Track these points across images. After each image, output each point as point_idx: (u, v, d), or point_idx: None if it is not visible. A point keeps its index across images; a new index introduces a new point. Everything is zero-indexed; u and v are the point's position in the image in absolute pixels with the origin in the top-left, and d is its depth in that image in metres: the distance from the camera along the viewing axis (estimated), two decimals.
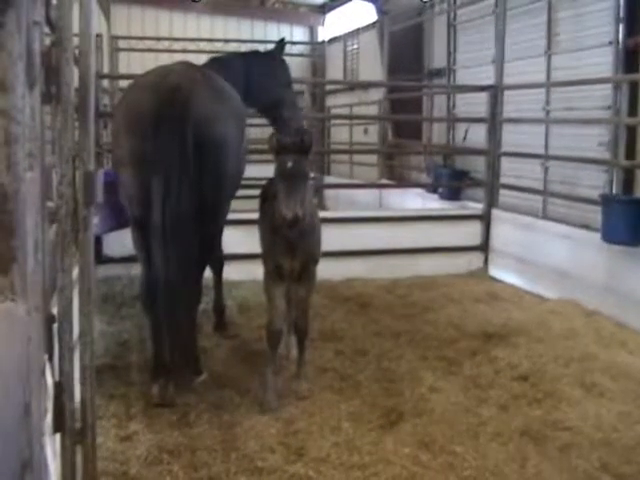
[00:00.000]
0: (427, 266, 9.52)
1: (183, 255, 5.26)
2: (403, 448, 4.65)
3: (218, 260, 7.05)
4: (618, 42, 9.61)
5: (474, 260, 10.01)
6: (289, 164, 4.76)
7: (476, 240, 10.08)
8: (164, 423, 4.93)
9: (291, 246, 5.13)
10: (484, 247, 10.07)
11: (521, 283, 9.11)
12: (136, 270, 7.75)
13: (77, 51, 3.33)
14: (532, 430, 4.95)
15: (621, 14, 9.57)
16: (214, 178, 5.49)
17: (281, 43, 7.68)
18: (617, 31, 9.65)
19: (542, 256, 8.79)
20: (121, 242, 8.08)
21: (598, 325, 7.23)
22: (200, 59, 7.39)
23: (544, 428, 4.99)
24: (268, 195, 5.72)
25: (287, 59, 7.85)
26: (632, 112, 9.31)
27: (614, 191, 9.40)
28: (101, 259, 8.13)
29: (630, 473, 4.42)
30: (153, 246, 5.28)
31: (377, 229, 9.55)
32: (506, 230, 9.73)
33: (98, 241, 8.05)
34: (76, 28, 3.22)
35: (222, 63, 6.91)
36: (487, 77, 11.71)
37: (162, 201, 5.15)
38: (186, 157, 5.21)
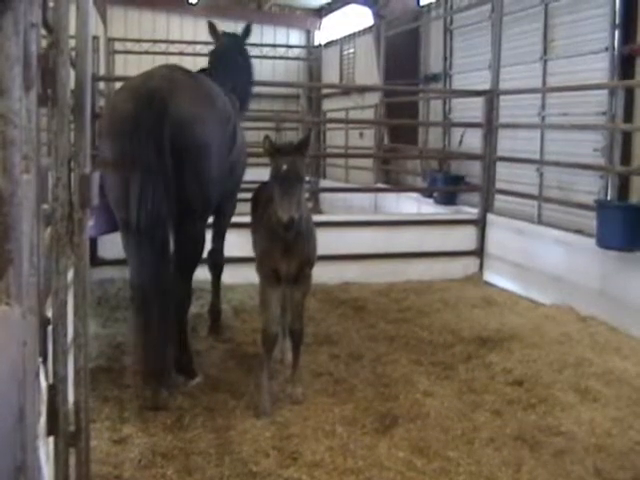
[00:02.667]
0: (422, 270, 9.53)
1: (157, 257, 5.25)
2: (397, 453, 4.65)
3: (218, 264, 7.05)
4: (614, 48, 9.64)
5: (469, 265, 10.01)
6: (284, 166, 4.76)
7: (471, 245, 10.09)
8: (158, 426, 4.92)
9: (287, 249, 5.11)
10: (479, 252, 10.07)
11: (516, 288, 9.12)
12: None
13: (74, 53, 3.33)
14: (526, 435, 4.95)
15: (617, 20, 9.61)
16: (195, 180, 5.47)
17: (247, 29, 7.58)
18: (613, 37, 9.68)
19: (537, 261, 8.80)
20: (115, 244, 8.06)
21: (593, 330, 7.24)
22: (197, 62, 7.41)
23: (538, 433, 4.99)
24: (261, 199, 5.72)
25: (283, 63, 7.90)
26: (627, 118, 9.34)
27: (609, 197, 9.42)
28: (96, 261, 8.11)
29: (624, 479, 4.42)
30: (130, 247, 5.31)
31: (372, 233, 9.56)
32: (501, 235, 9.74)
33: (93, 243, 8.03)
34: (73, 30, 3.21)
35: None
36: (483, 82, 11.74)
37: (138, 202, 5.16)
38: (162, 159, 5.21)
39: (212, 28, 7.38)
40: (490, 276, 9.82)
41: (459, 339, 7.02)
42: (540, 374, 6.06)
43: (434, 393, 5.67)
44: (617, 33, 9.64)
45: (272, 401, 5.30)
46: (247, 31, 7.49)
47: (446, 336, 7.12)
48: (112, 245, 7.97)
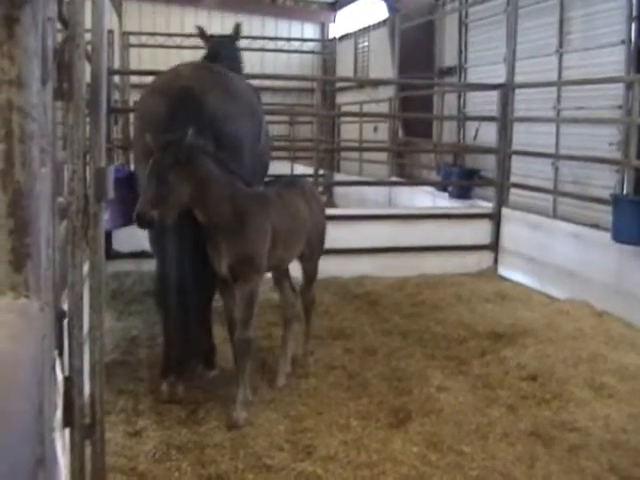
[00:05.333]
0: (437, 265, 9.50)
1: (195, 251, 5.28)
2: (411, 447, 4.65)
3: None
4: (630, 41, 9.57)
5: (484, 259, 9.98)
6: (149, 163, 4.71)
7: (486, 239, 10.06)
8: (173, 419, 4.94)
9: (215, 246, 5.04)
10: (494, 246, 10.04)
11: (530, 283, 9.08)
12: (146, 266, 7.80)
13: (89, 47, 3.33)
14: (541, 431, 4.94)
15: (633, 13, 9.53)
16: None
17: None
18: (629, 30, 9.60)
19: (552, 256, 8.76)
20: (131, 238, 8.09)
21: (607, 326, 7.20)
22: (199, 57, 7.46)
23: (553, 429, 4.98)
24: None
25: (298, 56, 7.95)
26: None
27: (625, 191, 9.36)
28: (111, 255, 8.14)
29: (639, 475, 4.40)
30: (167, 242, 5.32)
31: (387, 227, 9.54)
32: (516, 229, 9.70)
33: (108, 237, 8.06)
34: (88, 24, 3.22)
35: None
36: (498, 75, 11.66)
37: None
38: None
39: (201, 32, 7.60)
40: (505, 270, 9.79)
41: (473, 334, 7.00)
42: (554, 369, 6.04)
43: (448, 388, 5.66)
44: (634, 26, 9.56)
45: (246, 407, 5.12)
46: (236, 32, 7.63)
47: (460, 331, 7.10)
48: (127, 238, 8.01)
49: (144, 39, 19.91)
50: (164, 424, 4.87)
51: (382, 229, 9.49)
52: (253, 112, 6.01)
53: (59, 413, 3.08)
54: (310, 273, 5.99)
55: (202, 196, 4.82)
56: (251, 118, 5.90)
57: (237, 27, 7.62)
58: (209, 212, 4.92)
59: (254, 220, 5.06)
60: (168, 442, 4.59)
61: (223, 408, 5.13)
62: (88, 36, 3.27)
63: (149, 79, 6.88)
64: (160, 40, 20.09)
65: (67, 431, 3.24)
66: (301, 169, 17.95)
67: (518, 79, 10.80)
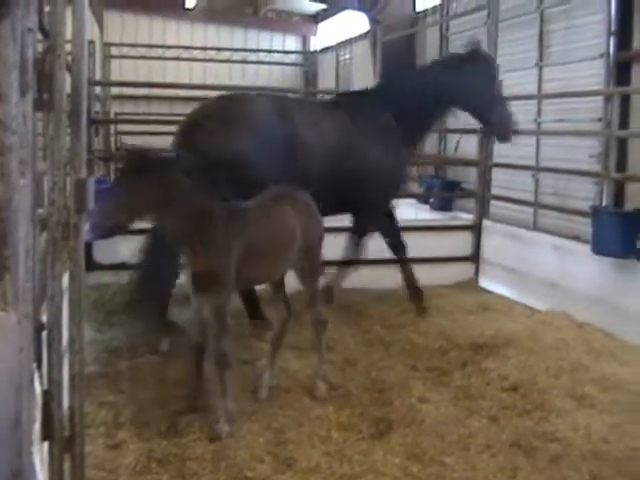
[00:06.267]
0: (418, 276, 9.50)
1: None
2: (393, 458, 4.64)
3: None
4: (609, 55, 9.66)
5: (465, 271, 10.00)
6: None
7: (467, 251, 10.09)
8: (153, 432, 4.91)
9: (187, 257, 5.06)
10: (475, 258, 10.07)
11: (511, 294, 9.11)
12: (126, 278, 7.78)
13: (70, 58, 3.32)
14: (522, 441, 4.94)
15: (612, 27, 9.63)
16: None
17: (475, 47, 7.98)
18: (608, 44, 9.71)
19: (533, 267, 8.80)
20: (111, 249, 8.07)
21: (588, 336, 7.23)
22: (193, 67, 7.48)
23: (534, 439, 4.99)
24: None
25: (280, 68, 7.99)
26: (623, 125, 9.36)
27: (604, 203, 9.43)
28: (91, 266, 8.09)
29: None
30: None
31: (369, 239, 9.53)
32: (497, 241, 9.74)
33: (88, 248, 8.02)
34: (69, 35, 3.21)
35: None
36: None
37: None
38: None
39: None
40: (486, 282, 9.82)
41: (455, 345, 7.01)
42: (536, 380, 6.05)
43: (430, 399, 5.66)
44: (613, 40, 9.66)
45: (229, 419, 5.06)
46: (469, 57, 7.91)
47: (442, 342, 7.10)
48: (108, 250, 7.98)
49: (126, 50, 19.90)
50: (144, 436, 4.83)
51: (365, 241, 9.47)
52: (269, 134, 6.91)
53: (38, 426, 3.06)
54: (310, 291, 5.78)
55: (165, 209, 4.80)
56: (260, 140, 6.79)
57: (474, 48, 7.99)
58: (172, 223, 4.91)
59: (219, 235, 4.99)
60: (148, 454, 4.55)
61: (204, 420, 5.10)
62: (69, 47, 3.26)
63: (130, 90, 6.96)
64: (142, 51, 20.08)
65: (46, 444, 3.22)
66: None
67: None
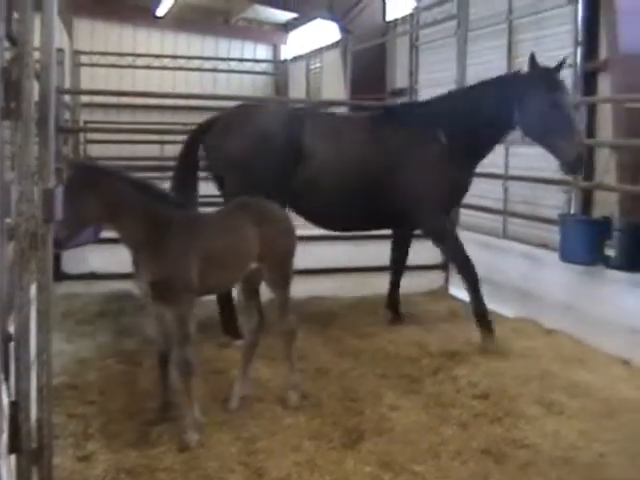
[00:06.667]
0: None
1: None
2: (364, 467, 4.64)
3: None
4: (576, 65, 9.79)
5: (435, 279, 10.05)
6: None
7: (437, 259, 10.13)
8: (123, 443, 4.86)
9: (135, 264, 5.04)
10: (445, 266, 10.11)
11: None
12: (96, 288, 7.73)
13: (38, 66, 3.30)
14: (492, 448, 4.96)
15: (579, 38, 9.76)
16: None
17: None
18: (576, 54, 9.84)
19: (502, 275, 8.86)
20: (80, 259, 8.02)
21: (557, 344, 7.29)
22: (164, 76, 7.47)
23: (504, 446, 5.01)
24: None
25: (251, 77, 7.98)
26: (590, 134, 9.49)
27: (572, 211, 9.53)
28: (59, 276, 8.02)
29: None
30: None
31: (342, 247, 9.54)
32: (467, 249, 9.78)
33: (57, 258, 7.95)
34: (37, 42, 3.19)
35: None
36: None
37: None
38: None
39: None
40: (456, 290, 9.86)
41: (426, 353, 7.03)
42: (506, 387, 6.09)
43: (401, 407, 5.67)
44: (580, 50, 9.79)
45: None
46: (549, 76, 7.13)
47: (413, 350, 7.13)
48: (76, 260, 7.93)
49: (95, 58, 19.80)
50: (114, 447, 4.78)
51: (337, 249, 9.47)
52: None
53: (5, 438, 3.03)
54: (279, 300, 5.75)
55: (114, 217, 4.85)
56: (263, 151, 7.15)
57: (559, 66, 7.21)
58: (123, 233, 4.95)
59: (173, 243, 4.97)
60: (118, 466, 4.51)
61: (174, 430, 5.06)
62: (37, 54, 3.24)
63: (100, 98, 6.96)
64: (112, 59, 19.99)
65: (14, 456, 3.18)
66: None
67: None
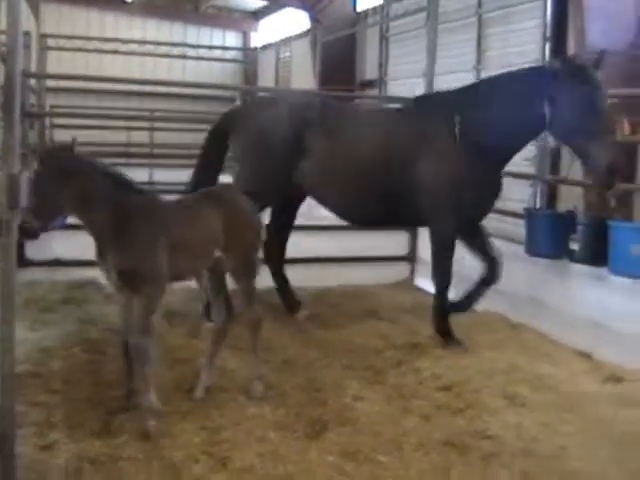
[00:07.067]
0: (356, 275, 9.56)
1: None
2: (327, 457, 4.65)
3: None
4: (545, 60, 9.86)
5: (401, 270, 10.09)
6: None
7: (403, 250, 10.18)
8: (86, 432, 4.82)
9: (101, 256, 4.97)
10: (411, 258, 10.16)
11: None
12: (60, 274, 7.65)
13: (4, 49, 3.26)
14: (455, 440, 5.00)
15: (548, 33, 9.83)
16: None
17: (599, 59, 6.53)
18: (544, 49, 9.90)
19: (468, 268, 8.89)
20: (44, 246, 7.93)
21: (522, 336, 7.36)
22: (131, 62, 7.42)
23: (467, 438, 5.05)
24: None
25: (220, 64, 7.98)
26: None
27: (538, 205, 9.62)
28: (23, 263, 7.93)
29: None
30: None
31: (307, 238, 9.56)
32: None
33: (20, 245, 7.86)
34: (3, 26, 3.15)
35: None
36: (418, 90, 11.85)
37: None
38: None
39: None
40: (421, 282, 9.91)
41: (390, 344, 7.06)
42: (469, 380, 6.13)
43: (364, 398, 5.69)
44: (548, 45, 9.86)
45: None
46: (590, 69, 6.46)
47: (377, 341, 7.15)
48: (40, 246, 7.83)
49: (62, 42, 19.53)
50: (77, 437, 4.74)
51: (302, 240, 9.48)
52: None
53: None
54: (245, 290, 5.73)
55: (81, 205, 4.77)
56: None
57: (599, 60, 6.52)
58: (89, 221, 4.87)
59: (140, 231, 4.94)
60: (81, 455, 4.47)
61: (138, 420, 5.03)
62: (3, 38, 3.19)
63: (67, 83, 6.86)
64: (79, 44, 19.75)
65: None
66: (222, 178, 17.86)
67: None
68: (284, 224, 8.23)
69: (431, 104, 7.48)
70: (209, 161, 7.76)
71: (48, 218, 4.64)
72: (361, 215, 7.64)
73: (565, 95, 6.30)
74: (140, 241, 4.93)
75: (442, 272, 7.18)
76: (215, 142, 7.72)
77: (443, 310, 7.21)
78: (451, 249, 7.13)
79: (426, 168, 6.92)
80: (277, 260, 8.13)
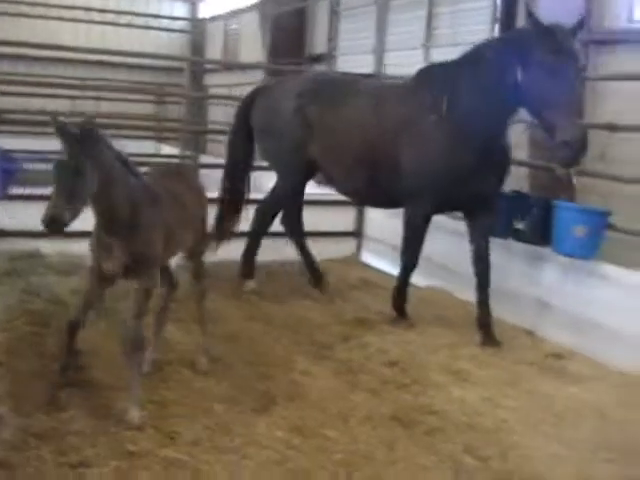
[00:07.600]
0: None
1: None
2: (276, 431, 4.70)
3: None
4: None
5: (348, 246, 10.14)
6: (61, 155, 4.25)
7: (350, 226, 10.22)
8: (32, 406, 4.76)
9: (107, 246, 4.70)
10: (358, 233, 10.21)
11: (393, 270, 9.25)
12: (3, 245, 7.50)
13: None
14: (401, 414, 5.10)
15: (497, 14, 9.91)
16: None
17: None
18: (493, 30, 9.99)
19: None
20: None
21: (467, 314, 7.46)
22: (78, 29, 7.25)
23: (412, 412, 5.15)
24: None
25: (167, 34, 7.89)
26: None
27: None
28: None
29: (491, 455, 4.65)
30: None
31: (252, 211, 9.48)
32: (380, 217, 9.88)
33: None
34: None
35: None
36: (367, 66, 11.85)
37: None
38: None
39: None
40: (368, 257, 9.99)
41: (337, 319, 7.13)
42: (415, 355, 6.24)
43: (312, 373, 5.75)
44: (497, 26, 9.96)
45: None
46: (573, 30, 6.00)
47: (325, 316, 7.22)
48: None
49: (4, 7, 19.03)
50: (23, 411, 4.68)
51: (247, 214, 9.41)
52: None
53: None
54: (198, 267, 5.76)
55: (103, 192, 4.41)
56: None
57: (580, 22, 6.10)
58: (108, 209, 4.55)
59: (148, 218, 4.77)
60: (27, 429, 4.43)
61: (85, 394, 5.00)
62: None
63: (9, 49, 6.68)
64: (25, 9, 19.27)
65: None
66: (167, 149, 17.69)
67: (387, 70, 11.01)
68: (301, 200, 8.69)
69: (429, 79, 7.00)
70: (239, 139, 8.55)
71: (80, 205, 4.27)
72: (365, 196, 7.95)
73: (534, 60, 5.84)
74: (148, 230, 4.77)
75: (410, 252, 7.23)
76: (241, 122, 8.38)
77: (404, 290, 7.31)
78: (421, 230, 7.12)
79: (408, 148, 6.82)
80: (301, 233, 8.61)
